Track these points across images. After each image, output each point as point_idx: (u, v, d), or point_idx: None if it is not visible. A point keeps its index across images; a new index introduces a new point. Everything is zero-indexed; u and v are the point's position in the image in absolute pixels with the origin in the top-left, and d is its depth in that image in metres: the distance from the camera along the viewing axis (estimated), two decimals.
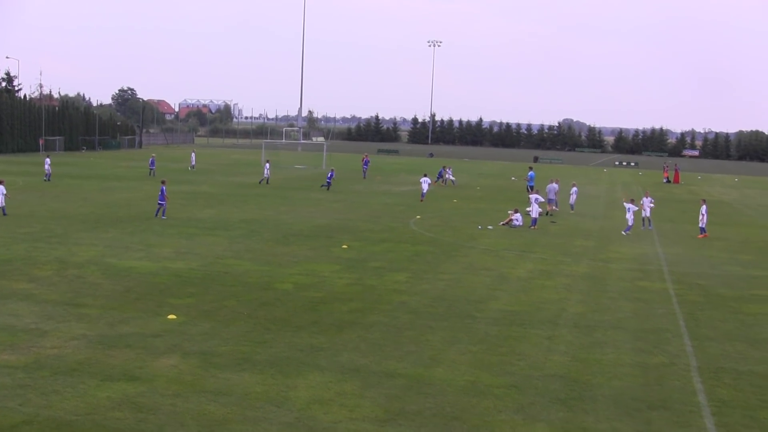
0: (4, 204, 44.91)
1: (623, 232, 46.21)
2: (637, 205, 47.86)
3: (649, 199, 50.70)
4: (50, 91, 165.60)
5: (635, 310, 27.09)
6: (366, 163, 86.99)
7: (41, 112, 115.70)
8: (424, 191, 63.97)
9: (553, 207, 55.48)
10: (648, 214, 49.77)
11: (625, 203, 48.55)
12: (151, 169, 77.97)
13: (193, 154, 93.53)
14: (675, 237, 46.03)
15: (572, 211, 56.56)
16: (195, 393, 17.41)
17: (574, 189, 59.11)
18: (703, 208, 46.84)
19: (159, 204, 46.04)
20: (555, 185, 56.83)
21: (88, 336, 21.47)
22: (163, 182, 47.24)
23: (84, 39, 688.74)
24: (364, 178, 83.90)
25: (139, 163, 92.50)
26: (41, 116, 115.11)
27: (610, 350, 22.02)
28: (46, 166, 68.22)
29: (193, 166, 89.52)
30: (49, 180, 66.65)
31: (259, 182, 72.91)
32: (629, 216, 46.67)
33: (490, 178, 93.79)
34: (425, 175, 66.36)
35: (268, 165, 75.09)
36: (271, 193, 64.12)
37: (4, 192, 45.03)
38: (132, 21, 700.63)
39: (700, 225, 46.73)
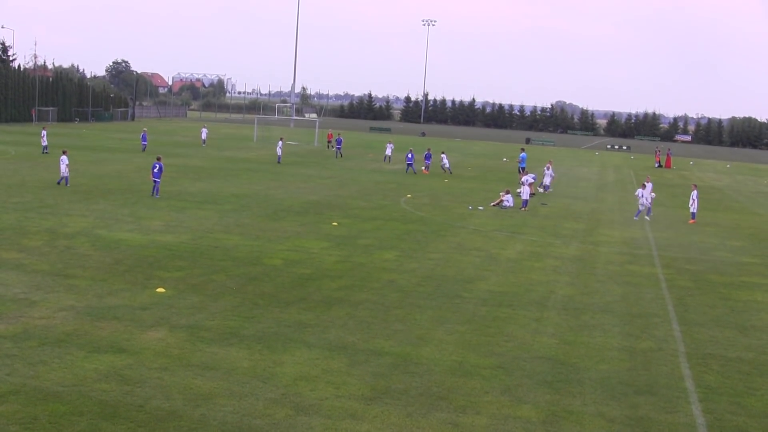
0: (68, 174, 45.71)
1: (646, 217, 46.81)
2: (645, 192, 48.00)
3: (649, 187, 49.39)
4: (44, 62, 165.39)
5: (624, 293, 27.13)
6: (339, 143, 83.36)
7: (35, 82, 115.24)
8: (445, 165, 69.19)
9: (537, 188, 56.54)
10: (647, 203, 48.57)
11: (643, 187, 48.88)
12: (143, 144, 75.16)
13: (204, 130, 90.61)
14: (665, 221, 46.03)
15: (539, 190, 57.57)
16: (182, 367, 17.40)
17: (547, 166, 60.89)
18: (694, 193, 46.84)
19: (154, 181, 43.66)
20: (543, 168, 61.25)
21: (76, 307, 21.44)
22: (158, 158, 44.86)
23: (79, 10, 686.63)
24: (336, 157, 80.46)
25: (132, 135, 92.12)
26: (35, 87, 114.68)
27: (597, 333, 22.05)
28: (43, 140, 65.74)
29: (204, 141, 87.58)
30: (47, 152, 64.51)
31: (278, 162, 69.93)
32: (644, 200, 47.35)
33: (481, 158, 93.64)
34: (443, 153, 71.00)
35: (281, 143, 73.40)
36: (262, 168, 63.97)
37: (67, 162, 45.78)
38: None
39: (690, 210, 46.76)
